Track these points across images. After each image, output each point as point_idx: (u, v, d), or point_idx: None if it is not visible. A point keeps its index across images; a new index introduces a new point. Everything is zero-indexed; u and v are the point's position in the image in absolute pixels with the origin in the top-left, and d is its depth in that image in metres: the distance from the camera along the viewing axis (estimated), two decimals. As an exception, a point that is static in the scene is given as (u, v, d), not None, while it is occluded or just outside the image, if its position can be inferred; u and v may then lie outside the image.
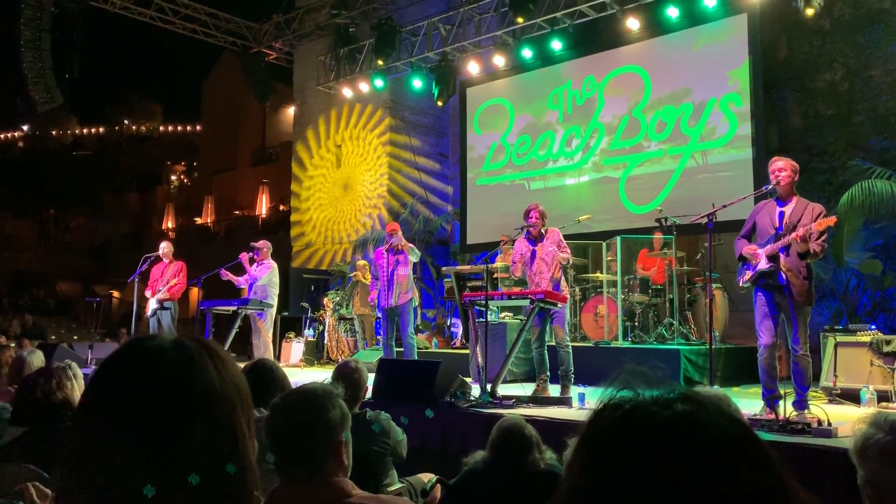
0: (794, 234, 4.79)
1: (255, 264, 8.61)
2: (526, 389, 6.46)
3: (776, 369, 4.99)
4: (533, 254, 6.41)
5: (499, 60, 11.88)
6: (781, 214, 4.97)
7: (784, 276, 4.83)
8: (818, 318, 8.08)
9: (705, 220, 5.43)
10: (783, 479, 0.65)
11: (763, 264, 4.93)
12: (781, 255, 4.86)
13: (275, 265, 8.61)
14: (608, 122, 10.77)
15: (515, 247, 6.69)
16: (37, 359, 4.71)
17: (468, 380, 6.32)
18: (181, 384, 0.86)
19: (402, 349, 7.83)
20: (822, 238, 4.76)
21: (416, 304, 8.39)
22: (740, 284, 5.20)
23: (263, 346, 8.30)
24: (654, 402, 0.67)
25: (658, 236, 8.97)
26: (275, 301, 8.52)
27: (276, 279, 8.53)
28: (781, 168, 4.99)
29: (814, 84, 9.94)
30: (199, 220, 25.82)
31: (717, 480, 0.62)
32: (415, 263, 7.92)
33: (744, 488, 0.62)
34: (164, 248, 9.16)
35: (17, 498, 2.05)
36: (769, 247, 4.92)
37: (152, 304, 8.87)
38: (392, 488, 3.33)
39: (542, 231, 6.45)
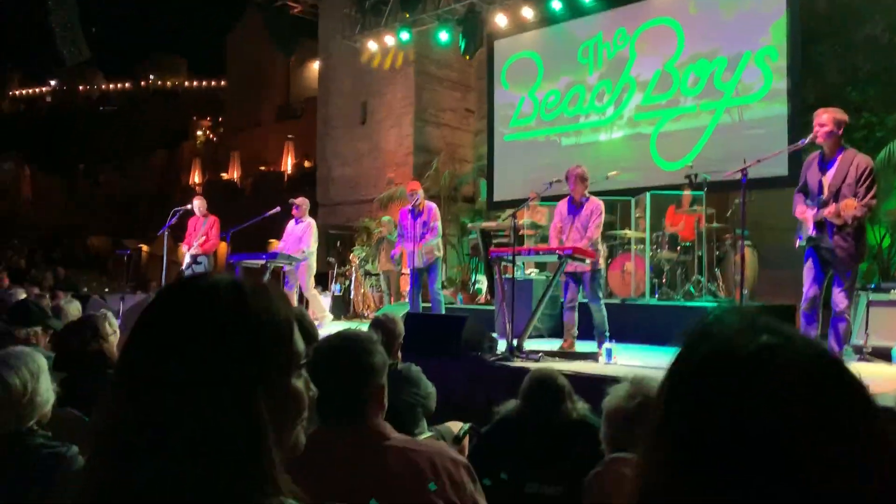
0: (826, 211, 4.71)
1: (294, 220, 8.70)
2: (552, 345, 6.48)
3: (817, 321, 4.95)
4: (572, 220, 6.34)
5: (527, 12, 11.65)
6: (820, 183, 4.87)
7: (832, 240, 4.78)
8: (850, 277, 7.96)
9: (739, 174, 5.31)
10: (874, 405, 0.64)
11: (811, 231, 4.88)
12: (827, 223, 4.79)
13: (313, 222, 8.77)
14: (640, 77, 10.55)
15: (558, 208, 6.61)
16: (73, 308, 4.82)
17: (494, 335, 6.35)
18: (229, 316, 0.88)
19: (429, 304, 7.90)
20: (864, 201, 4.62)
21: (442, 258, 8.42)
22: (796, 246, 5.17)
23: (311, 298, 8.55)
24: (738, 335, 0.66)
25: (687, 193, 8.85)
26: (314, 257, 8.68)
27: (315, 235, 8.71)
28: (822, 123, 4.81)
29: (853, 38, 9.64)
30: (225, 176, 25.95)
31: (810, 409, 0.60)
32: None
33: (838, 416, 0.61)
34: (197, 203, 9.25)
35: (68, 441, 2.12)
36: (815, 213, 4.84)
37: (187, 259, 9.01)
38: (422, 437, 3.37)
39: (583, 198, 6.36)
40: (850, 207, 4.58)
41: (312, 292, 8.67)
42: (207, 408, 0.83)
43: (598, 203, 6.39)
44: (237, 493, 0.82)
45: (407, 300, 10.20)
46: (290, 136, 23.39)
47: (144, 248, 23.77)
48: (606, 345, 5.85)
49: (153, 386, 0.84)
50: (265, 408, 0.86)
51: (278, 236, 9.18)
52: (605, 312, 6.27)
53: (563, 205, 6.49)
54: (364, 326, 4.19)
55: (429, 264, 7.68)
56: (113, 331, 3.47)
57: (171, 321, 0.88)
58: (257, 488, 0.83)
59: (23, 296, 6.48)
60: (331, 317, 8.97)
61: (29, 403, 2.02)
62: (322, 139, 15.84)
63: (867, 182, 4.67)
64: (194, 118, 31.95)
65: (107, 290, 17.72)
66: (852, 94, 9.40)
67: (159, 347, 0.87)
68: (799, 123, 8.61)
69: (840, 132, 4.84)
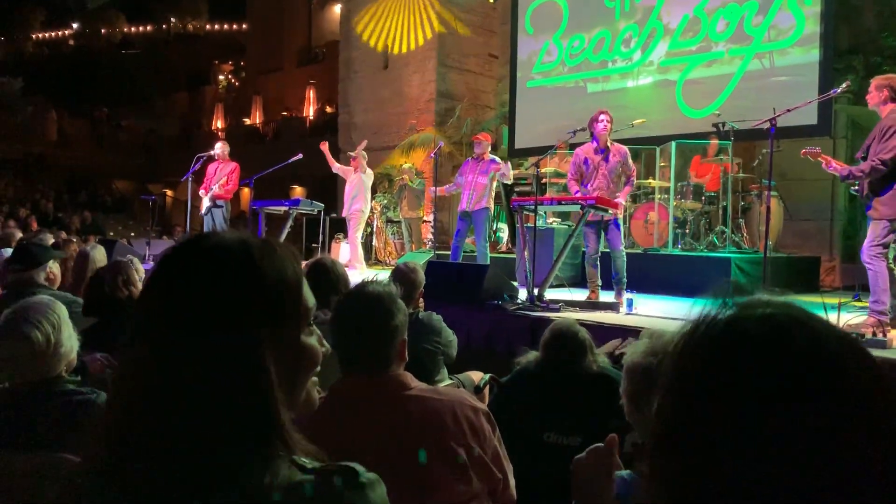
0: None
1: (354, 170, 9.05)
2: (573, 295, 6.50)
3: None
4: (596, 165, 6.27)
5: (554, -46, 11.33)
6: None
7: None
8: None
9: (767, 124, 5.24)
10: (887, 382, 0.64)
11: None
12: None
13: (370, 172, 9.15)
14: (667, 21, 10.28)
15: (577, 154, 6.51)
16: (99, 254, 4.88)
17: (515, 283, 6.38)
18: (238, 277, 0.88)
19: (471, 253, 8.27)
20: (878, 156, 4.65)
21: (492, 215, 8.60)
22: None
23: (350, 247, 9.02)
24: (755, 315, 0.65)
25: (714, 142, 8.70)
26: (367, 206, 9.15)
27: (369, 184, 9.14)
28: (869, 90, 4.87)
29: (892, -21, 9.30)
30: (247, 121, 25.90)
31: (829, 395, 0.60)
32: (496, 177, 7.92)
33: (854, 396, 0.61)
34: (220, 147, 9.29)
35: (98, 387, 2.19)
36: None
37: (206, 203, 9.07)
38: (442, 384, 3.43)
39: (609, 144, 6.28)
40: (814, 155, 5.00)
41: (356, 240, 9.05)
42: (215, 364, 0.84)
43: (625, 148, 6.38)
44: (245, 449, 0.83)
45: (428, 247, 10.26)
46: (311, 80, 23.17)
47: (169, 193, 23.96)
48: (627, 295, 5.86)
49: (162, 343, 0.86)
50: (274, 363, 0.87)
51: (301, 182, 9.27)
52: (625, 259, 6.28)
53: (585, 152, 6.40)
54: (386, 273, 4.23)
55: (477, 209, 7.77)
56: (140, 277, 3.53)
57: (177, 281, 0.89)
58: (266, 444, 0.84)
59: (51, 240, 6.58)
60: (364, 266, 9.07)
61: (53, 354, 2.06)
62: (344, 84, 15.70)
63: (885, 138, 4.65)
64: (216, 62, 31.72)
65: (132, 234, 17.95)
66: (888, 40, 9.12)
67: (167, 306, 0.88)
68: (830, 70, 8.39)
69: (884, 94, 4.80)
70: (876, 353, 3.77)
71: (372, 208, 12.01)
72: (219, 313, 0.86)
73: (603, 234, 6.31)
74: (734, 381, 0.62)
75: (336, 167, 9.24)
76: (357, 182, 8.93)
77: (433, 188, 8.33)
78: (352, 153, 9.15)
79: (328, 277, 3.09)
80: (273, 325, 0.88)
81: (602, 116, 6.25)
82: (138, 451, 0.83)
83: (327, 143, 9.15)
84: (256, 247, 0.91)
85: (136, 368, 0.87)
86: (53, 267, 4.11)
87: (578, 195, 6.28)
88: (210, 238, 0.93)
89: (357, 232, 9.01)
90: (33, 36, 36.08)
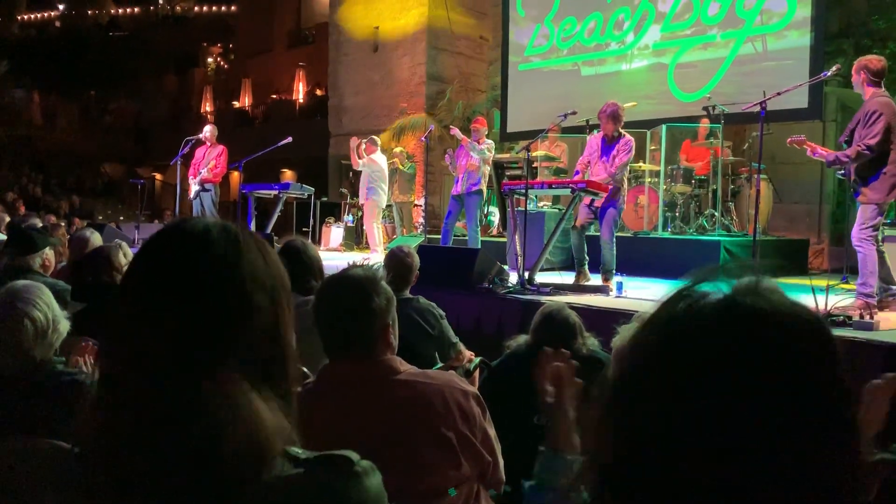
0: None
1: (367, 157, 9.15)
2: (564, 277, 6.51)
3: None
4: (599, 154, 6.22)
5: (545, -64, 11.23)
6: None
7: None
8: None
9: (757, 108, 5.24)
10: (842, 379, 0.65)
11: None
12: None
13: (383, 158, 9.31)
14: (659, 4, 10.24)
15: (589, 141, 6.49)
16: (96, 238, 4.84)
17: (506, 267, 6.38)
18: (226, 263, 0.86)
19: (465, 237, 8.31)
20: (862, 141, 4.67)
21: (485, 199, 8.61)
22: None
23: (368, 231, 9.21)
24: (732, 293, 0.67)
25: (703, 126, 8.69)
26: (381, 193, 9.16)
27: (383, 172, 9.21)
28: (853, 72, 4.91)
29: (883, -38, 9.28)
30: (236, 104, 25.69)
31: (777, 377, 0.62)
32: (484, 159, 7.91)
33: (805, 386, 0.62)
34: (208, 130, 9.22)
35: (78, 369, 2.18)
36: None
37: (194, 187, 9.02)
38: (433, 368, 3.43)
39: (616, 134, 6.21)
40: (800, 143, 5.04)
41: (371, 226, 9.15)
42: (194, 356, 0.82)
43: (628, 139, 6.20)
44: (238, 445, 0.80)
45: (419, 231, 10.25)
46: (301, 63, 22.97)
47: (158, 176, 23.80)
48: (617, 278, 5.87)
49: (143, 332, 0.84)
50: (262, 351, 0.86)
51: (291, 166, 9.24)
52: (614, 251, 6.20)
53: (595, 139, 6.37)
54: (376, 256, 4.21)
55: (470, 191, 7.80)
56: (127, 261, 3.51)
57: (161, 264, 0.88)
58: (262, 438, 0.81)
59: (39, 224, 6.53)
60: (378, 254, 8.98)
61: (54, 332, 2.07)
62: (334, 67, 15.59)
63: (869, 123, 4.67)
64: (204, 44, 31.39)
65: (121, 218, 17.85)
66: (878, 23, 9.12)
67: (148, 296, 0.86)
68: (821, 54, 8.38)
69: (861, 77, 4.81)
70: (864, 335, 3.81)
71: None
72: (201, 300, 0.84)
73: (598, 220, 6.25)
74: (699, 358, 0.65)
75: (359, 165, 9.24)
76: (366, 171, 9.09)
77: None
78: (365, 141, 9.30)
79: (300, 259, 3.10)
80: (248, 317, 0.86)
81: (605, 112, 6.16)
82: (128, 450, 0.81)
83: (358, 141, 9.27)
84: (242, 236, 0.90)
85: (119, 348, 0.86)
86: (49, 254, 4.08)
87: (577, 177, 6.29)
88: (195, 223, 0.91)
89: (374, 220, 9.13)
90: (18, 17, 35.62)
